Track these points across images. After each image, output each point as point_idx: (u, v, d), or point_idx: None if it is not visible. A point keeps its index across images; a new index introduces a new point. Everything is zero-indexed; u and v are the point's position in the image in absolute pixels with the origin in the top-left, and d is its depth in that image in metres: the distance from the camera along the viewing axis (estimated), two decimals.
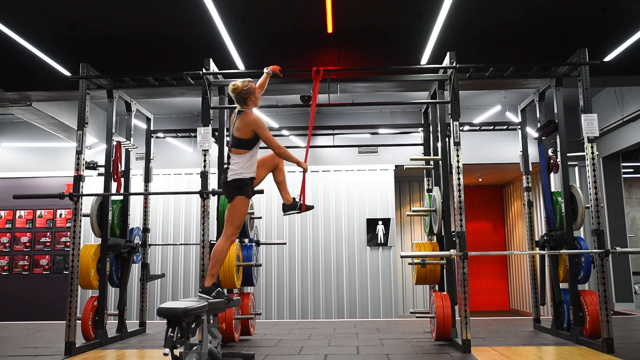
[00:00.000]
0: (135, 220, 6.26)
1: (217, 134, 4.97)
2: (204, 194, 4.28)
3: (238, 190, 3.67)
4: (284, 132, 6.50)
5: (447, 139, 4.67)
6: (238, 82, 3.73)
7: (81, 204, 4.46)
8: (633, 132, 7.75)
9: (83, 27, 5.36)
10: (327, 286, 8.41)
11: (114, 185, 4.91)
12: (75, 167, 4.45)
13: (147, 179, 5.54)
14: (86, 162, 4.58)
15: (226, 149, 4.98)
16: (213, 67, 4.63)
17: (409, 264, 4.96)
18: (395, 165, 8.81)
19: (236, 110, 3.81)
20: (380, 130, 6.83)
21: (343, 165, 8.77)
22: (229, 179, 3.69)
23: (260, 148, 3.82)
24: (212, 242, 4.44)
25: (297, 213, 4.09)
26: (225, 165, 3.77)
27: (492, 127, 5.90)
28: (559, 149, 4.66)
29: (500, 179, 11.97)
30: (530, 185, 5.41)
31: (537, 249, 5.12)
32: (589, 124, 4.18)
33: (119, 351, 4.33)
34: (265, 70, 4.18)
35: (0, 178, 9.14)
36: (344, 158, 8.79)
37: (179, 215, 8.75)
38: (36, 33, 5.25)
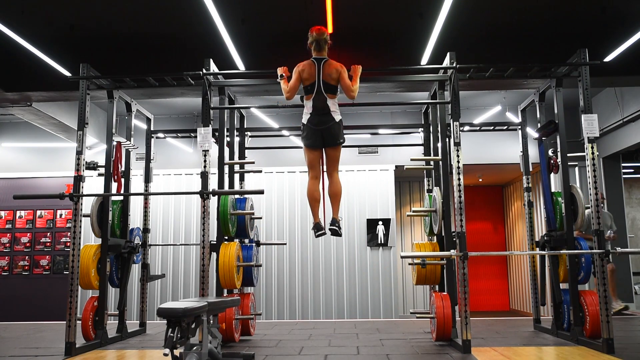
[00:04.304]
0: (135, 220, 6.27)
1: (217, 134, 4.97)
2: (204, 194, 4.28)
3: (342, 132, 4.07)
4: (284, 132, 6.51)
5: (447, 139, 4.68)
6: (323, 28, 4.06)
7: (81, 204, 4.46)
8: (633, 133, 7.75)
9: (83, 28, 5.36)
10: (327, 286, 8.41)
11: (114, 185, 4.91)
12: (76, 167, 4.45)
13: (147, 179, 5.54)
14: (86, 162, 4.59)
15: (227, 150, 5.03)
16: (213, 68, 4.63)
17: (409, 264, 4.96)
18: (396, 166, 8.81)
19: (309, 61, 4.01)
20: (381, 131, 6.83)
21: (343, 165, 8.67)
22: (337, 119, 3.99)
23: None
24: (212, 242, 4.45)
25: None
26: (312, 111, 3.98)
27: (492, 128, 5.91)
28: (559, 149, 4.66)
29: (500, 179, 11.97)
30: (530, 185, 5.41)
31: (537, 249, 5.13)
32: (589, 124, 4.18)
33: (119, 351, 4.33)
34: (280, 78, 4.17)
35: (1, 178, 9.15)
36: (344, 158, 8.67)
37: (179, 216, 8.75)
38: (36, 33, 5.25)
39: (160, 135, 6.20)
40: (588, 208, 5.09)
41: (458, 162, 4.22)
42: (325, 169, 4.20)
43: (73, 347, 4.14)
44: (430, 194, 5.07)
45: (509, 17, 5.29)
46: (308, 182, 4.17)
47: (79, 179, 4.43)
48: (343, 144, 4.11)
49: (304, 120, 4.04)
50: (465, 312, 3.97)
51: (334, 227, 4.07)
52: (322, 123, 3.97)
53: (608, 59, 5.20)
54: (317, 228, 4.08)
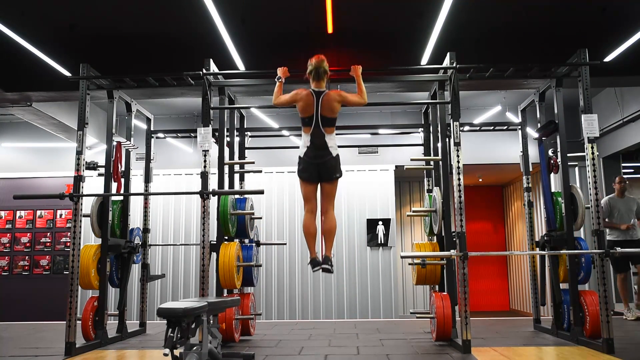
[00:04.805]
0: (135, 220, 6.26)
1: (217, 134, 4.98)
2: (204, 194, 4.28)
3: (340, 167, 4.02)
4: (284, 132, 6.51)
5: (447, 139, 4.68)
6: (322, 56, 4.03)
7: (81, 204, 4.46)
8: (633, 133, 7.75)
9: (83, 28, 5.36)
10: (327, 286, 8.41)
11: (114, 185, 4.91)
12: (76, 167, 4.45)
13: (147, 179, 5.54)
14: (86, 162, 4.59)
15: (227, 150, 5.03)
16: (213, 68, 4.63)
17: (409, 264, 4.96)
18: (396, 166, 8.81)
19: (308, 92, 3.96)
20: (381, 131, 6.83)
21: (343, 165, 8.71)
22: (334, 154, 3.97)
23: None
24: (212, 242, 4.45)
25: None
26: (309, 145, 3.95)
27: (492, 128, 5.91)
28: (559, 150, 4.66)
29: (500, 180, 11.97)
30: (530, 185, 5.41)
31: (537, 249, 5.12)
32: (589, 125, 4.18)
33: (119, 351, 4.33)
34: (277, 80, 4.17)
35: (1, 178, 9.14)
36: (344, 158, 8.62)
37: (179, 216, 8.75)
38: (36, 33, 5.25)
39: (160, 135, 6.20)
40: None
41: (458, 162, 4.22)
42: (320, 204, 4.13)
43: (73, 347, 4.14)
44: (430, 194, 5.07)
45: (509, 17, 5.29)
46: (304, 216, 4.11)
47: (79, 179, 4.43)
48: (339, 178, 4.06)
49: (301, 153, 4.01)
50: (465, 312, 3.97)
51: (326, 266, 3.93)
52: (319, 157, 3.95)
53: (608, 59, 5.20)
54: (314, 264, 3.97)
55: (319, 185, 4.08)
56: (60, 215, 9.04)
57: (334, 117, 3.99)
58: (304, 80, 4.13)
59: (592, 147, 4.15)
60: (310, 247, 4.08)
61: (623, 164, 8.79)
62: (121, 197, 5.07)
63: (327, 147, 3.95)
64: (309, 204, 4.08)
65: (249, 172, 5.76)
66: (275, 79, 4.18)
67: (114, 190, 4.88)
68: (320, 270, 3.96)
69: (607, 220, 6.23)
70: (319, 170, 3.98)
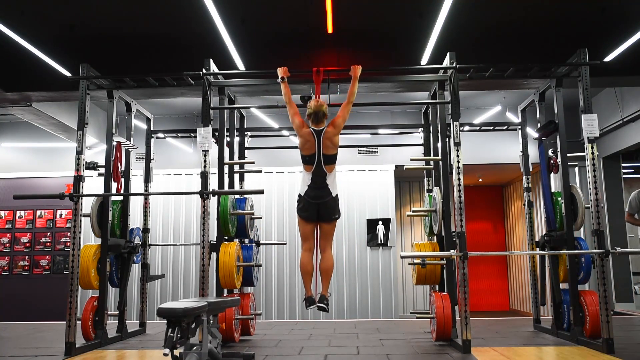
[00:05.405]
0: (135, 220, 6.26)
1: (217, 134, 4.98)
2: (204, 194, 4.28)
3: (339, 207, 4.04)
4: (284, 132, 6.50)
5: (447, 139, 4.68)
6: (321, 101, 4.06)
7: (81, 204, 4.46)
8: (633, 133, 7.75)
9: (83, 28, 5.36)
10: None
11: (114, 185, 4.91)
12: (76, 167, 4.45)
13: (147, 179, 5.54)
14: (86, 162, 4.58)
15: (227, 150, 5.03)
16: (213, 68, 4.63)
17: (409, 264, 4.96)
18: (396, 166, 8.81)
19: (309, 131, 4.00)
20: (380, 131, 6.83)
21: (343, 165, 8.76)
22: (333, 195, 3.98)
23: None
24: (212, 242, 4.45)
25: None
26: (310, 184, 3.97)
27: (492, 128, 5.91)
28: (559, 149, 4.66)
29: (500, 179, 11.97)
30: (530, 185, 5.41)
31: (537, 249, 5.12)
32: (589, 125, 4.18)
33: (119, 351, 4.33)
34: (279, 80, 4.17)
35: (1, 178, 9.15)
36: (344, 158, 8.73)
37: (179, 216, 8.75)
38: (36, 33, 5.25)
39: (160, 135, 6.20)
40: None
41: (458, 162, 4.22)
42: (318, 243, 4.14)
43: (73, 347, 4.14)
44: (430, 194, 5.07)
45: (509, 17, 5.29)
46: (301, 254, 4.14)
47: (79, 179, 4.43)
48: (338, 219, 4.08)
49: (301, 191, 4.02)
50: (465, 312, 3.97)
51: (322, 305, 3.94)
52: (319, 197, 3.97)
53: (608, 59, 5.20)
54: (309, 302, 3.99)
55: (317, 224, 4.10)
56: (60, 215, 9.04)
57: (336, 152, 4.03)
58: (304, 80, 4.13)
59: (592, 147, 4.15)
60: (306, 285, 4.10)
61: (623, 164, 8.79)
62: (121, 197, 5.07)
63: (327, 187, 3.98)
64: (306, 242, 4.11)
65: (249, 172, 5.76)
66: (279, 80, 4.18)
67: (114, 190, 4.88)
68: (316, 308, 3.99)
69: (636, 216, 5.57)
70: (318, 210, 4.00)
